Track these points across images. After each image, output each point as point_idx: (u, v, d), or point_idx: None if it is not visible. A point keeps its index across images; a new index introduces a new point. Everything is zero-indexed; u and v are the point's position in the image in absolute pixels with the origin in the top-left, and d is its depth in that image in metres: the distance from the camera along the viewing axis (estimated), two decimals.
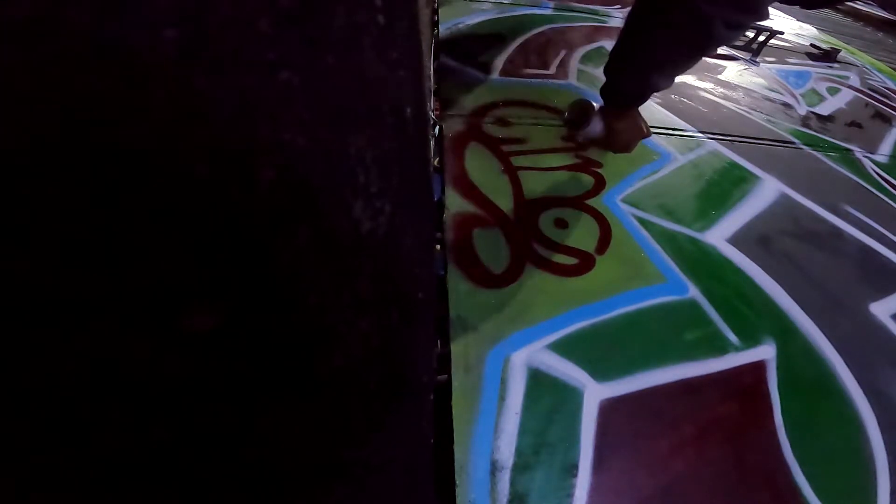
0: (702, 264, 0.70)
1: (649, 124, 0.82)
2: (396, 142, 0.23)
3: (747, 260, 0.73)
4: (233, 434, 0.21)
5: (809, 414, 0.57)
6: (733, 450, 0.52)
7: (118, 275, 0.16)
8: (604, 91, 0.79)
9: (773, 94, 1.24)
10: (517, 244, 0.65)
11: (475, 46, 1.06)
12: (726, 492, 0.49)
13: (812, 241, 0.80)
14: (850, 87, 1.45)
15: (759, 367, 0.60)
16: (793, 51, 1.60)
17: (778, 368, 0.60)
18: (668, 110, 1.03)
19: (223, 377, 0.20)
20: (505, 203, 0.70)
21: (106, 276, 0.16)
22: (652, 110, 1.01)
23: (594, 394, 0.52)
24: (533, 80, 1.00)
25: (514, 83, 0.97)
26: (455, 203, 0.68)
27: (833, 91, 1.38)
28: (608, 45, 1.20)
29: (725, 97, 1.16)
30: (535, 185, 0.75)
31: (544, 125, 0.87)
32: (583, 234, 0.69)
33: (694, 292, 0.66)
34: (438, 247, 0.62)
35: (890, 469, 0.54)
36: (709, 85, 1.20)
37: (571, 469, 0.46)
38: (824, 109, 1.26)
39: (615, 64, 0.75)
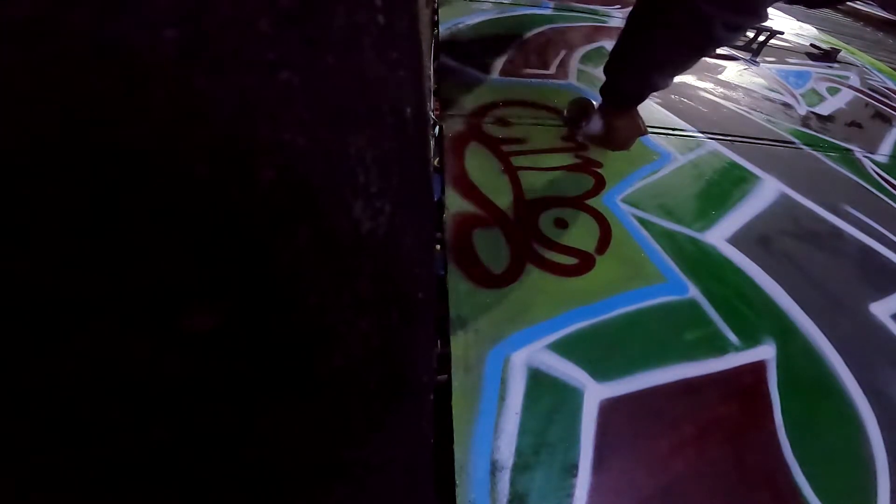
0: (702, 264, 0.70)
1: (649, 124, 0.82)
2: (396, 142, 0.23)
3: (747, 260, 0.73)
4: (233, 434, 0.21)
5: (809, 414, 0.57)
6: (733, 450, 0.52)
7: (118, 275, 0.16)
8: (603, 90, 0.79)
9: (773, 94, 1.24)
10: (517, 244, 0.65)
11: (475, 46, 1.06)
12: (726, 492, 0.49)
13: (812, 241, 0.80)
14: (850, 87, 1.45)
15: (759, 367, 0.60)
16: (793, 51, 1.60)
17: (778, 368, 0.60)
18: (668, 110, 1.03)
19: (223, 377, 0.20)
20: (505, 203, 0.70)
21: (106, 276, 0.16)
22: (652, 110, 1.01)
23: (594, 394, 0.52)
24: (533, 80, 1.00)
25: (514, 83, 0.97)
26: (455, 203, 0.68)
27: (833, 91, 1.38)
28: (608, 45, 1.20)
29: (725, 97, 1.16)
30: (535, 185, 0.75)
31: (544, 125, 0.87)
32: (583, 234, 0.69)
33: (694, 292, 0.66)
34: (438, 247, 0.62)
35: (890, 469, 0.54)
36: (709, 85, 1.20)
37: (571, 469, 0.46)
38: (824, 109, 1.26)
39: (615, 64, 0.75)
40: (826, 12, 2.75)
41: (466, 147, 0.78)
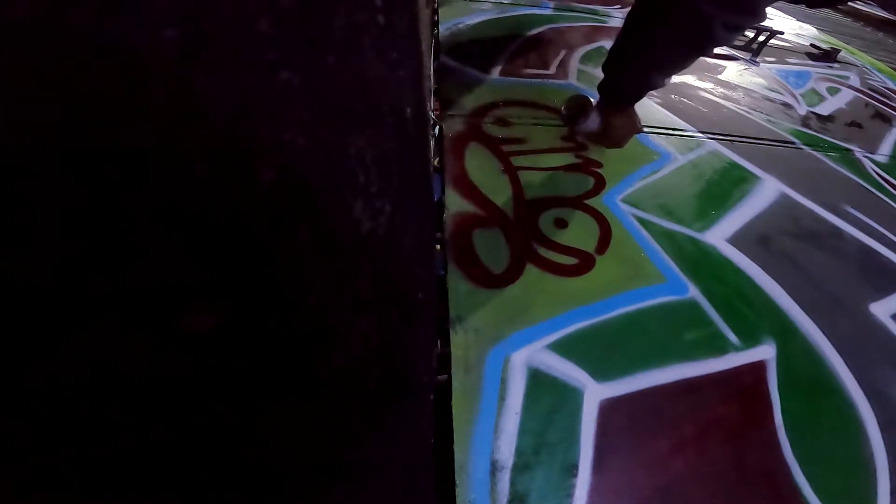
0: (702, 264, 0.70)
1: (649, 124, 0.82)
2: (396, 142, 0.23)
3: (747, 260, 0.73)
4: (233, 434, 0.21)
5: (809, 414, 0.57)
6: (733, 450, 0.52)
7: (118, 275, 0.16)
8: (602, 88, 0.79)
9: (773, 94, 1.24)
10: (517, 244, 0.65)
11: (475, 46, 1.06)
12: (726, 492, 0.49)
13: (812, 241, 0.80)
14: (850, 87, 1.45)
15: (759, 367, 0.60)
16: (793, 51, 1.60)
17: (778, 368, 0.60)
18: (668, 110, 1.03)
19: (223, 377, 0.20)
20: (505, 203, 0.70)
21: (106, 276, 0.16)
22: (652, 110, 1.01)
23: (594, 394, 0.52)
24: (533, 80, 1.00)
25: (514, 83, 0.97)
26: (455, 203, 0.68)
27: (833, 91, 1.38)
28: (608, 45, 1.19)
29: (725, 97, 1.16)
30: (534, 184, 0.75)
31: (544, 125, 0.87)
32: (583, 234, 0.69)
33: (694, 292, 0.66)
34: (438, 247, 0.62)
35: (890, 469, 0.54)
36: (709, 85, 1.20)
37: (571, 469, 0.46)
38: (824, 109, 1.26)
39: (614, 63, 0.75)
40: (826, 12, 2.75)
41: (466, 147, 0.78)
